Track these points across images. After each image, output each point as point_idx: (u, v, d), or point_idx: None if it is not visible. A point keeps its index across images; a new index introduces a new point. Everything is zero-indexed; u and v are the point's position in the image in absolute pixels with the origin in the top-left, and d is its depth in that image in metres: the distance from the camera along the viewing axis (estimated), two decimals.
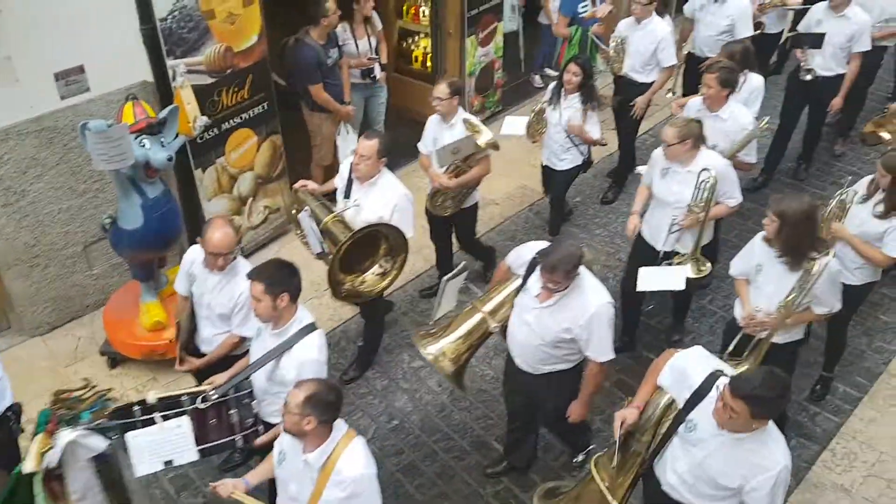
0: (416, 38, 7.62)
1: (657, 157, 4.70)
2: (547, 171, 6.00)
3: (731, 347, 4.08)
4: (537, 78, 8.23)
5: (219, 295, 3.89)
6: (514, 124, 5.78)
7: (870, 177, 4.48)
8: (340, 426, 3.07)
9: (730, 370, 3.35)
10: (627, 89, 6.34)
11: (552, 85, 5.67)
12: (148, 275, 5.13)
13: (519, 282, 3.87)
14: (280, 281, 3.39)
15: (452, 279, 4.15)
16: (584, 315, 3.61)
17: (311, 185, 4.80)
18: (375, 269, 4.51)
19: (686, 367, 3.25)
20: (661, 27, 6.07)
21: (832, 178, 6.93)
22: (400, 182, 4.57)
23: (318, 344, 3.50)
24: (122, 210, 4.76)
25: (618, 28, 6.33)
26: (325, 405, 2.95)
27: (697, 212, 4.55)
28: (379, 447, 4.71)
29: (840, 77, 6.28)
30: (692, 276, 4.70)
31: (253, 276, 3.43)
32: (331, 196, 4.79)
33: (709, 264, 4.80)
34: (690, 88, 6.58)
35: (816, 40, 6.09)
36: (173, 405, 3.54)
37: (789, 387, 2.99)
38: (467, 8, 6.94)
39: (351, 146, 5.67)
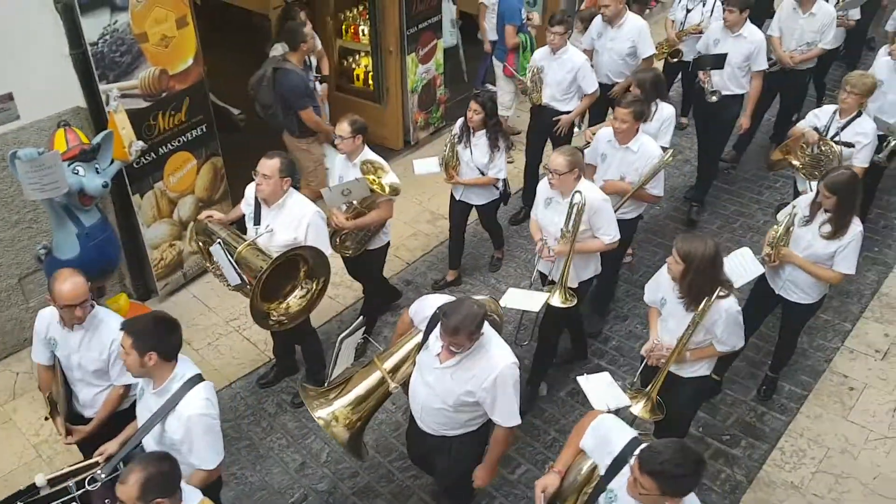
0: (357, 56, 7.60)
1: (542, 187, 4.59)
2: (461, 205, 5.74)
3: (637, 378, 4.06)
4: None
5: (87, 351, 3.62)
6: (426, 164, 5.52)
7: (809, 196, 4.54)
8: (192, 497, 2.85)
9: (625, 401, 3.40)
10: (550, 118, 6.24)
11: (459, 121, 5.50)
12: None
13: (420, 337, 3.63)
14: (150, 337, 3.12)
15: (349, 336, 3.80)
16: (488, 377, 3.35)
17: (217, 214, 4.63)
18: (298, 292, 4.34)
19: (608, 432, 3.05)
20: (577, 56, 6.02)
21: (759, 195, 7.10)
22: (309, 200, 4.42)
23: (204, 397, 3.21)
24: (58, 240, 4.62)
25: (533, 58, 6.26)
26: (163, 483, 2.67)
27: (567, 238, 4.38)
28: (333, 471, 4.63)
29: (739, 97, 6.36)
30: (557, 304, 4.48)
31: (124, 327, 3.20)
32: (240, 224, 4.62)
33: (575, 298, 4.53)
34: (597, 116, 6.56)
35: (718, 61, 6.11)
36: (61, 493, 3.23)
37: (702, 461, 2.76)
38: (406, 26, 6.96)
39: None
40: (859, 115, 5.29)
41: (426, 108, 7.68)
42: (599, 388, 3.77)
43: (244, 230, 4.51)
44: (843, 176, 4.29)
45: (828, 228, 4.33)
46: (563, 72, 6.01)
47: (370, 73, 7.56)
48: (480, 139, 5.37)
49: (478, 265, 6.36)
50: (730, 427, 4.96)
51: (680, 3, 7.11)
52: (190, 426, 3.15)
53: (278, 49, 6.05)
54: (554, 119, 6.22)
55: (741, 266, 4.29)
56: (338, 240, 4.94)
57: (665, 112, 5.45)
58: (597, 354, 5.51)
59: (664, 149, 5.20)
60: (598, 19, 6.41)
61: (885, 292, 5.98)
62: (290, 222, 4.27)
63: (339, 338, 3.76)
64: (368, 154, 4.87)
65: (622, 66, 6.35)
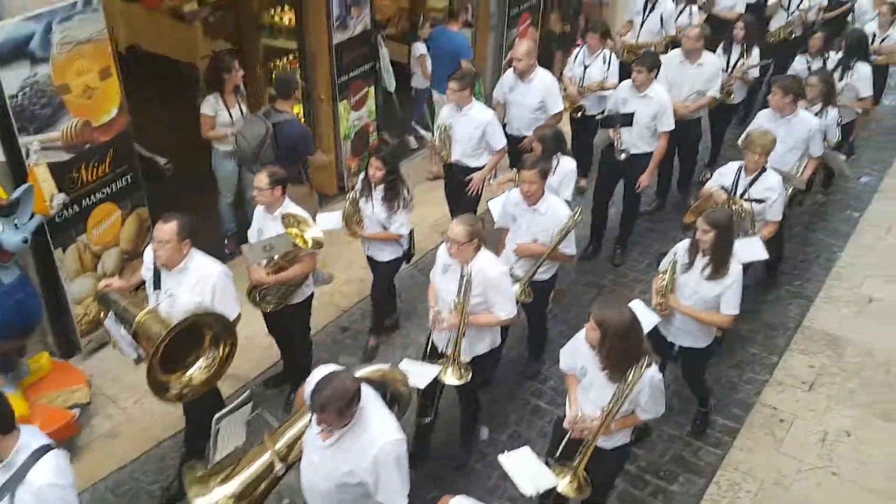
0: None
1: (442, 252, 4.44)
2: (370, 262, 5.65)
3: (559, 451, 3.84)
4: (412, 139, 8.36)
5: None
6: (329, 219, 5.30)
7: (686, 242, 4.57)
8: None
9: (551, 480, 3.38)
10: (461, 175, 6.14)
11: (361, 176, 5.35)
12: (7, 366, 4.75)
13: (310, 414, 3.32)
14: None
15: (228, 415, 3.48)
16: (368, 456, 3.13)
17: (116, 282, 4.44)
18: (201, 362, 4.00)
19: None
20: (483, 112, 5.97)
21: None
22: (213, 260, 4.21)
23: (55, 465, 3.01)
24: None
25: (441, 115, 6.19)
26: None
27: (458, 311, 4.21)
28: None
29: (647, 155, 6.40)
30: (451, 382, 4.34)
31: None
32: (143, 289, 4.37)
33: (470, 374, 4.37)
34: (511, 163, 6.59)
35: (627, 119, 6.20)
36: None
37: None
38: (337, 74, 6.98)
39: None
40: (764, 170, 5.34)
41: (359, 153, 7.69)
42: (522, 466, 3.67)
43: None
44: (723, 213, 4.46)
45: (709, 269, 4.36)
46: (471, 128, 5.95)
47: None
48: (381, 194, 5.22)
49: (417, 311, 6.31)
50: (667, 463, 5.03)
51: (576, 59, 7.18)
52: (42, 498, 2.96)
53: (210, 101, 6.02)
54: (466, 179, 6.13)
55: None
56: (258, 295, 4.79)
57: (566, 166, 5.49)
58: (536, 394, 5.53)
59: (569, 203, 5.22)
60: (510, 72, 6.46)
61: (808, 325, 6.20)
62: (195, 286, 4.04)
63: (215, 418, 3.44)
64: (290, 206, 4.75)
65: (532, 120, 6.36)
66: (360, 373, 3.70)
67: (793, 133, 5.88)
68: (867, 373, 5.70)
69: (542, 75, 6.34)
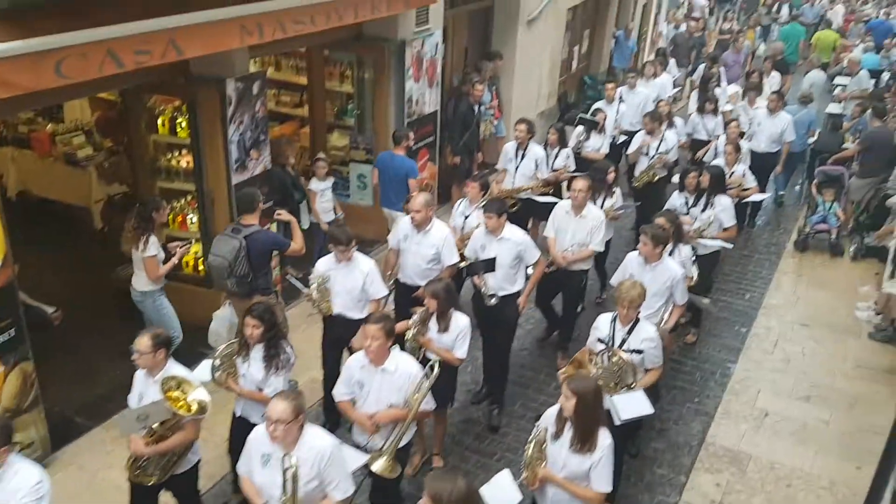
0: (187, 244, 7.47)
1: (257, 439, 4.06)
2: (241, 424, 4.93)
3: None
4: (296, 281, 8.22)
5: None
6: (200, 369, 4.94)
7: (555, 409, 4.26)
8: None
9: None
10: (343, 328, 5.88)
11: (241, 333, 4.92)
12: None
13: None
14: None
15: None
16: None
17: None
18: None
19: None
20: (364, 262, 5.84)
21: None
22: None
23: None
24: None
25: (317, 267, 5.96)
26: None
27: None
28: None
29: (515, 294, 6.30)
30: None
31: None
32: None
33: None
34: (402, 315, 6.16)
35: (489, 265, 6.09)
36: None
37: None
38: (237, 213, 6.98)
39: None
40: (638, 321, 5.19)
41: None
42: None
43: None
44: (587, 380, 4.22)
45: (575, 441, 4.06)
46: (352, 280, 5.80)
47: (200, 259, 7.44)
48: (258, 353, 4.79)
49: None
50: None
51: (458, 209, 7.24)
52: None
53: (153, 242, 6.11)
54: (350, 329, 5.83)
55: (500, 497, 4.06)
56: (138, 468, 4.45)
57: (461, 322, 5.26)
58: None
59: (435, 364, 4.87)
60: (406, 220, 6.37)
61: (711, 441, 6.33)
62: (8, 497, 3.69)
63: None
64: (172, 368, 4.46)
65: (426, 271, 6.23)
66: None
67: (657, 280, 5.88)
68: (770, 487, 5.82)
69: (438, 227, 6.32)
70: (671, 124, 9.66)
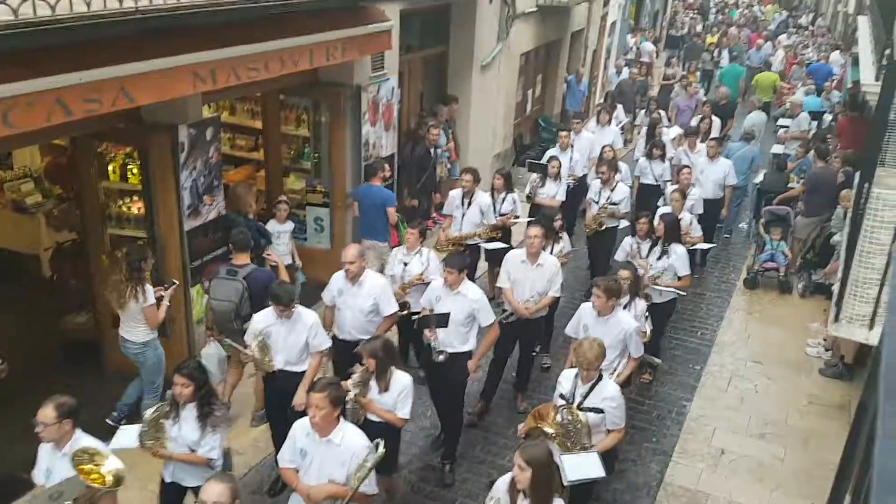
0: (172, 284, 7.33)
1: None
2: (172, 489, 4.83)
3: None
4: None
5: None
6: (125, 436, 4.73)
7: (506, 479, 4.15)
8: None
9: None
10: (286, 382, 5.67)
11: (170, 391, 4.77)
12: None
13: None
14: None
15: None
16: None
17: None
18: None
19: None
20: (307, 316, 5.66)
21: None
22: None
23: None
24: None
25: (253, 324, 5.68)
26: None
27: None
28: None
29: (464, 354, 6.11)
30: None
31: None
32: None
33: None
34: (341, 371, 6.10)
35: (442, 319, 5.94)
36: None
37: None
38: (189, 259, 6.90)
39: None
40: (600, 378, 5.09)
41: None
42: None
43: None
44: (540, 449, 4.10)
45: None
46: (295, 335, 5.59)
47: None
48: (190, 413, 4.63)
49: None
50: None
51: (396, 257, 7.07)
52: None
53: (149, 290, 6.04)
54: (294, 383, 5.69)
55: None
56: None
57: (402, 381, 5.10)
58: None
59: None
60: (339, 275, 6.18)
61: (669, 482, 6.36)
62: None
63: None
64: (82, 439, 4.23)
65: (366, 323, 6.10)
66: None
67: (611, 333, 5.78)
68: None
69: (373, 277, 6.20)
70: (616, 170, 9.52)
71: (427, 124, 10.22)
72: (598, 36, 17.41)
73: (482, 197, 8.28)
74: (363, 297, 6.08)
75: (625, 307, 6.23)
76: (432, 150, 10.17)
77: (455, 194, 8.37)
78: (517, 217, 8.59)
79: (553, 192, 9.31)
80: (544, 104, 15.49)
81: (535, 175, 9.58)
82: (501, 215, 8.49)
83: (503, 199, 8.60)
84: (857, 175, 7.27)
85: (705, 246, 9.18)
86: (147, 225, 6.83)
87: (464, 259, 6.40)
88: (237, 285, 6.11)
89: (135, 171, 6.79)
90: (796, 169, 11.63)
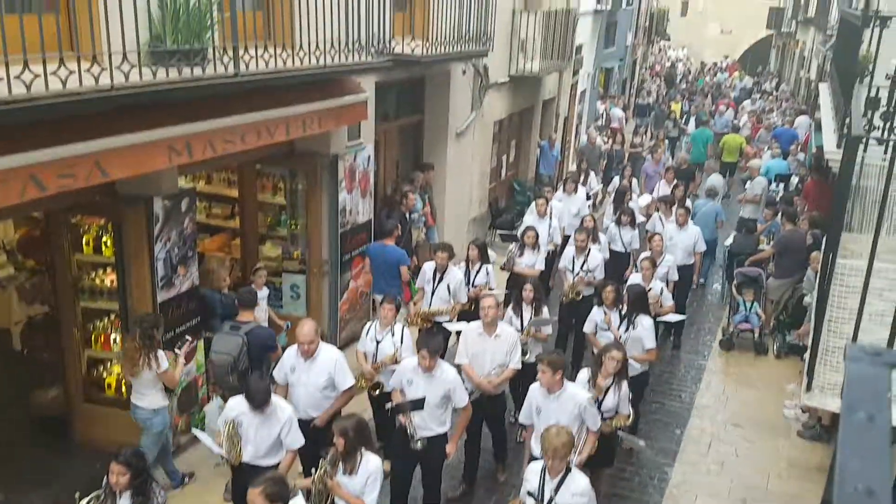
0: (108, 364, 7.23)
1: None
2: None
3: None
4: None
5: None
6: None
7: None
8: None
9: None
10: (251, 476, 4.96)
11: (105, 480, 4.62)
12: None
13: None
14: None
15: None
16: None
17: None
18: None
19: None
20: (282, 410, 5.45)
21: None
22: None
23: None
24: None
25: (227, 411, 5.55)
26: None
27: None
28: None
29: (442, 436, 6.01)
30: None
31: None
32: None
33: None
34: (302, 456, 5.93)
35: (418, 404, 5.79)
36: None
37: None
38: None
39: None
40: (569, 470, 4.91)
41: (187, 410, 7.33)
42: None
43: None
44: None
45: None
46: (267, 427, 5.40)
47: (124, 380, 7.17)
48: (125, 502, 4.52)
49: None
50: None
51: (368, 334, 6.83)
52: None
53: (162, 356, 6.13)
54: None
55: None
56: None
57: (371, 464, 4.91)
58: None
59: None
60: (291, 350, 6.09)
61: None
62: None
63: None
64: None
65: (321, 399, 5.97)
66: None
67: (564, 409, 5.64)
68: None
69: (327, 350, 6.05)
70: (595, 240, 9.58)
71: (403, 191, 10.33)
72: (568, 103, 17.85)
73: (454, 274, 8.11)
74: (317, 373, 5.93)
75: (607, 390, 6.02)
76: (408, 215, 10.26)
77: (427, 268, 8.22)
78: (491, 289, 8.34)
79: (532, 262, 9.22)
80: (518, 169, 15.75)
81: (512, 244, 9.52)
82: (474, 286, 8.33)
83: (477, 271, 8.45)
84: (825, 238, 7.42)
85: (676, 318, 8.85)
86: (120, 297, 6.76)
87: (438, 342, 6.23)
88: (238, 340, 6.38)
89: (109, 243, 6.76)
90: (765, 231, 11.86)
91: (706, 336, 10.66)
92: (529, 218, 10.33)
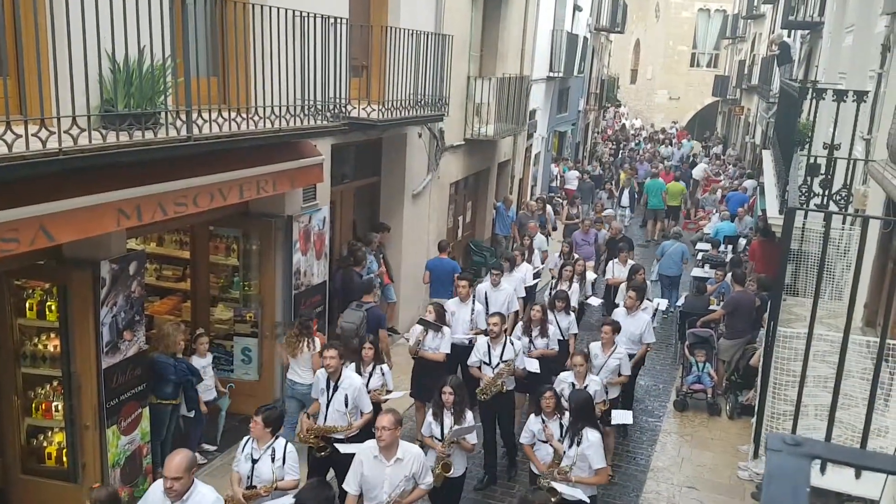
0: (49, 433, 6.95)
1: None
2: None
3: None
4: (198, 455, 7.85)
5: None
6: None
7: None
8: None
9: None
10: None
11: None
12: None
13: None
14: None
15: None
16: None
17: None
18: None
19: None
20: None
21: None
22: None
23: None
24: None
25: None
26: None
27: None
28: None
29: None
30: None
31: None
32: None
33: None
34: None
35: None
36: None
37: None
38: (106, 398, 6.59)
39: None
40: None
41: (131, 481, 7.04)
42: None
43: None
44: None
45: None
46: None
47: (65, 450, 6.88)
48: None
49: None
50: None
51: (244, 452, 5.94)
52: None
53: None
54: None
55: None
56: None
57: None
58: None
59: None
60: (155, 487, 5.26)
61: None
62: None
63: None
64: None
65: None
66: None
67: None
68: None
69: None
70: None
71: (357, 251, 10.32)
72: (523, 166, 18.18)
73: (351, 380, 6.82)
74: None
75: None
76: (363, 276, 10.21)
77: (320, 376, 6.89)
78: (389, 392, 7.55)
79: (436, 346, 8.21)
80: (475, 229, 15.88)
81: (418, 328, 8.36)
82: (370, 391, 7.16)
83: (370, 373, 7.44)
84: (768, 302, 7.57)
85: (624, 420, 8.18)
86: (63, 363, 6.54)
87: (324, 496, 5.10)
88: (360, 314, 8.56)
89: (53, 307, 6.57)
90: (716, 292, 12.09)
91: (660, 396, 10.71)
92: (451, 302, 9.26)
